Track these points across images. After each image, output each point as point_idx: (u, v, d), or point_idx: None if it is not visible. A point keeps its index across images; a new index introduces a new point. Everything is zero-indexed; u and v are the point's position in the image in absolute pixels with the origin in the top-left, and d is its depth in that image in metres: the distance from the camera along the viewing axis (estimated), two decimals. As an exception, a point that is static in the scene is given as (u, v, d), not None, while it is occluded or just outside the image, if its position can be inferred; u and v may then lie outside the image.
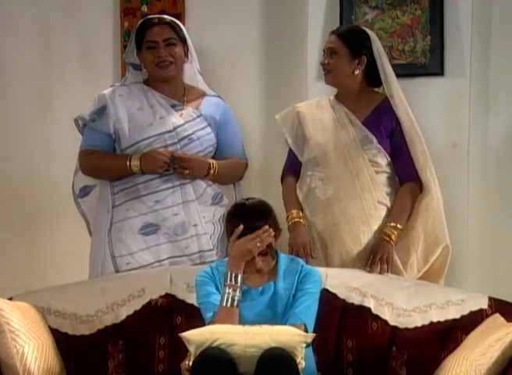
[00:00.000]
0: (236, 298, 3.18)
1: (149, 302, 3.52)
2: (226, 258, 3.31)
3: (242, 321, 3.18)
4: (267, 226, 3.22)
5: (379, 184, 3.73)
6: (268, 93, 4.32)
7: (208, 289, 3.27)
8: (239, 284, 3.19)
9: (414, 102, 3.95)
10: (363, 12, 4.10)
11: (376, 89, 3.85)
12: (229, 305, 3.17)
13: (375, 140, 3.72)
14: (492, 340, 3.11)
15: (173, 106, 3.77)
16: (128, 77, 3.87)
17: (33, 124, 4.47)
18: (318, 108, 3.85)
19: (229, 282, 3.20)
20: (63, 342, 3.44)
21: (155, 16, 3.86)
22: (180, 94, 3.81)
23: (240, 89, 4.33)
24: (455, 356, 3.18)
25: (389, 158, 3.76)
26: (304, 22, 4.16)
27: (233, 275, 3.20)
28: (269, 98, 4.30)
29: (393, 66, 3.93)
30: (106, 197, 3.77)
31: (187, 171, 3.68)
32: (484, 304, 3.43)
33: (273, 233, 3.23)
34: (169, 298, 3.52)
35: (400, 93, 3.78)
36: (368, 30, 3.84)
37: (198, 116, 3.78)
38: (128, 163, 3.67)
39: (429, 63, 4.06)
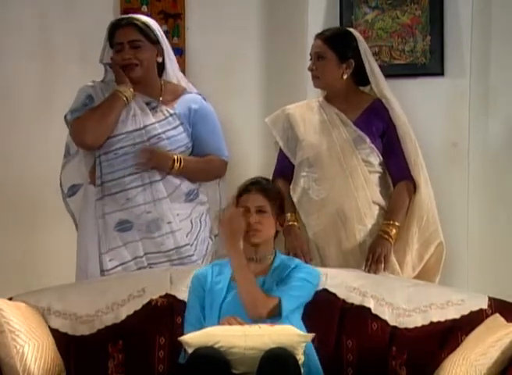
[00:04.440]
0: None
1: (149, 302, 3.51)
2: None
3: (229, 313, 3.20)
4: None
5: (372, 184, 3.74)
6: (267, 93, 4.32)
7: (192, 302, 3.32)
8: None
9: (414, 102, 3.97)
10: (363, 12, 4.10)
11: (362, 88, 3.85)
12: None
13: (368, 139, 3.73)
14: (492, 340, 3.11)
15: (148, 104, 3.75)
16: (107, 76, 3.85)
17: (33, 124, 4.47)
18: (308, 109, 3.86)
19: None
20: (63, 342, 3.43)
21: (125, 16, 3.83)
22: (156, 93, 3.78)
23: (239, 89, 4.33)
24: (455, 356, 3.18)
25: (381, 158, 3.77)
26: (304, 22, 4.16)
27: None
28: (269, 98, 4.30)
29: (393, 66, 3.95)
30: (88, 193, 3.78)
31: (150, 162, 3.65)
32: (484, 304, 3.43)
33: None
34: (169, 298, 3.51)
35: (390, 91, 3.78)
36: (354, 31, 3.85)
37: (171, 115, 3.75)
38: (118, 92, 3.66)
39: (429, 63, 4.06)
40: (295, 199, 3.76)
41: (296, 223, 3.74)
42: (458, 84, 4.03)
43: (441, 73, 4.05)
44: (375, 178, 3.76)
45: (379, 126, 3.76)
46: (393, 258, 3.71)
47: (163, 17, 4.23)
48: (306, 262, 3.54)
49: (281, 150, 3.87)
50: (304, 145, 3.78)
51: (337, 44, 3.74)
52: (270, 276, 3.32)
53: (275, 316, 3.19)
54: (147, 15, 4.07)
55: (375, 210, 3.73)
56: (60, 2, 4.50)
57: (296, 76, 4.19)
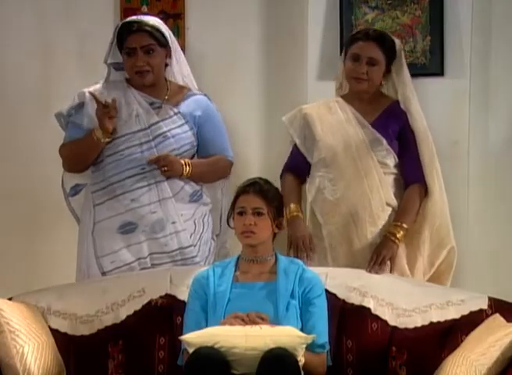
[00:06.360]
0: None
1: (149, 302, 3.52)
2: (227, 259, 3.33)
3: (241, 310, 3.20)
4: None
5: (387, 185, 3.73)
6: (268, 93, 4.32)
7: (192, 305, 3.31)
8: None
9: (414, 102, 3.96)
10: (363, 13, 4.10)
11: (384, 91, 3.85)
12: None
13: (384, 141, 3.72)
14: (492, 340, 3.11)
15: (152, 104, 3.76)
16: (109, 78, 3.86)
17: (33, 124, 4.46)
18: (326, 109, 3.83)
19: None
20: (63, 342, 3.44)
21: (135, 19, 3.79)
22: (162, 93, 3.79)
23: (239, 89, 4.32)
24: (455, 356, 3.18)
25: (397, 160, 3.76)
26: (304, 22, 4.16)
27: None
28: (269, 98, 4.30)
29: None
30: (89, 196, 3.79)
31: (165, 168, 3.66)
32: (484, 304, 3.43)
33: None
34: (169, 298, 3.52)
35: (416, 96, 3.78)
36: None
37: (176, 114, 3.76)
38: (94, 135, 3.68)
39: (429, 63, 4.07)
40: (309, 198, 3.76)
41: (300, 214, 3.74)
42: (458, 84, 4.04)
43: (441, 73, 4.06)
44: (389, 179, 3.75)
45: (395, 128, 3.75)
46: (404, 264, 3.71)
47: (163, 17, 4.21)
48: (307, 255, 3.55)
49: (296, 146, 3.85)
50: (321, 146, 3.76)
51: (390, 53, 3.74)
52: (281, 280, 3.30)
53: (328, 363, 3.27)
54: (147, 15, 4.06)
55: (388, 211, 3.72)
56: (60, 2, 4.49)
57: (296, 75, 4.19)
